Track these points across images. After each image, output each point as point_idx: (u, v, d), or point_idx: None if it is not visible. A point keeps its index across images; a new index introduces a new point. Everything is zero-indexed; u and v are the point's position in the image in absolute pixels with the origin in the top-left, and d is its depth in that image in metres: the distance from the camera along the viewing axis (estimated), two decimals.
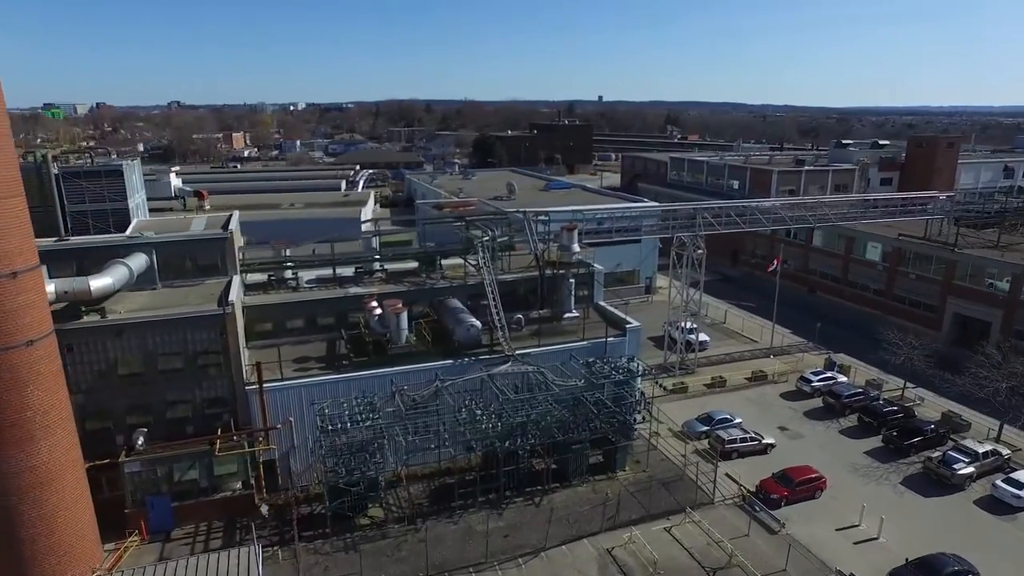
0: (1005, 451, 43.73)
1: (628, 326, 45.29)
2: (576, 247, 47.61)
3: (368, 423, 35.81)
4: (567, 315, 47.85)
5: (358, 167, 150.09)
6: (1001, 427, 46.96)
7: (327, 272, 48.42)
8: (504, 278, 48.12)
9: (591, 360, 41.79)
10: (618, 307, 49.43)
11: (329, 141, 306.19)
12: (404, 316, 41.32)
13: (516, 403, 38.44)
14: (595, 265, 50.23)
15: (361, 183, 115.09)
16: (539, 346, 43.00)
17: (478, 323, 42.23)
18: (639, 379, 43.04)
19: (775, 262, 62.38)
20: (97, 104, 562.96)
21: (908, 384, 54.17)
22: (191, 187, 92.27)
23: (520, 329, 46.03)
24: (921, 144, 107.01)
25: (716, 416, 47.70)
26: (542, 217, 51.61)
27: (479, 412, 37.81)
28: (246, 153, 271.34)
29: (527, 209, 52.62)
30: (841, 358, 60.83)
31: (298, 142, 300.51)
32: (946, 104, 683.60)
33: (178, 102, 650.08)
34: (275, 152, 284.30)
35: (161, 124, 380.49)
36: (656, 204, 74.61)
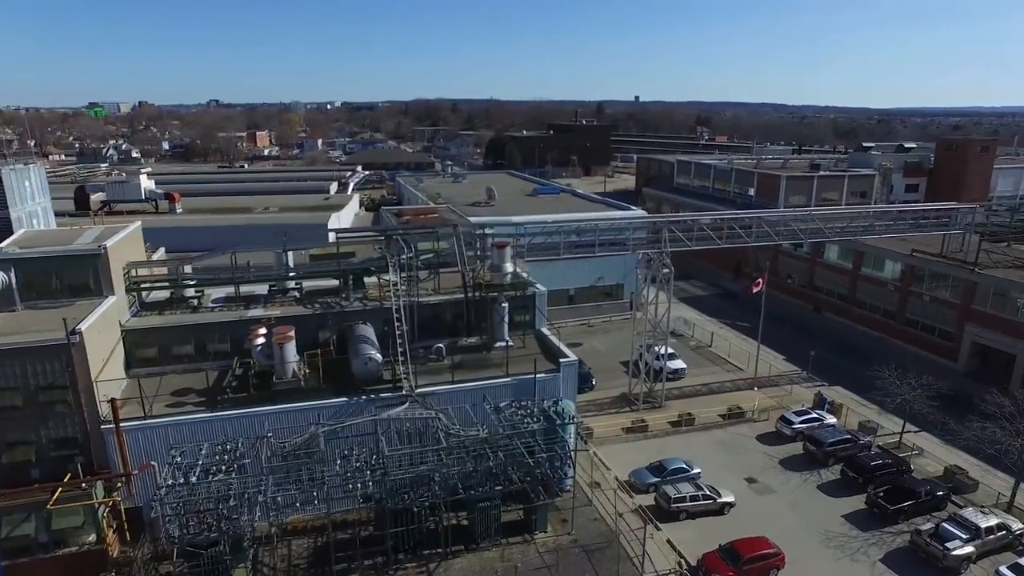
0: (1016, 525, 35.94)
1: (563, 361, 38.88)
2: (509, 266, 41.37)
3: (218, 477, 30.29)
4: (499, 344, 41.72)
5: (359, 168, 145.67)
6: (1016, 488, 39.03)
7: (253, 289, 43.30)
8: (429, 300, 42.28)
9: (505, 403, 35.58)
10: (594, 324, 43.11)
11: (349, 140, 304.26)
12: (291, 346, 35.73)
13: (407, 453, 32.49)
14: (537, 286, 43.89)
15: (351, 185, 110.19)
16: (451, 383, 36.98)
17: (377, 355, 36.40)
18: (570, 425, 36.56)
19: (759, 281, 55.02)
20: (139, 103, 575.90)
21: (909, 427, 46.43)
22: (163, 189, 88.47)
23: (441, 360, 40.15)
24: (951, 147, 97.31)
25: (670, 465, 40.94)
26: (489, 230, 45.56)
27: (359, 464, 31.99)
28: (266, 152, 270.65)
29: (466, 220, 46.66)
30: (836, 392, 53.28)
31: (319, 141, 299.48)
32: (999, 105, 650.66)
33: (216, 101, 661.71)
34: (296, 151, 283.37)
35: (193, 123, 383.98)
36: (626, 215, 68.06)
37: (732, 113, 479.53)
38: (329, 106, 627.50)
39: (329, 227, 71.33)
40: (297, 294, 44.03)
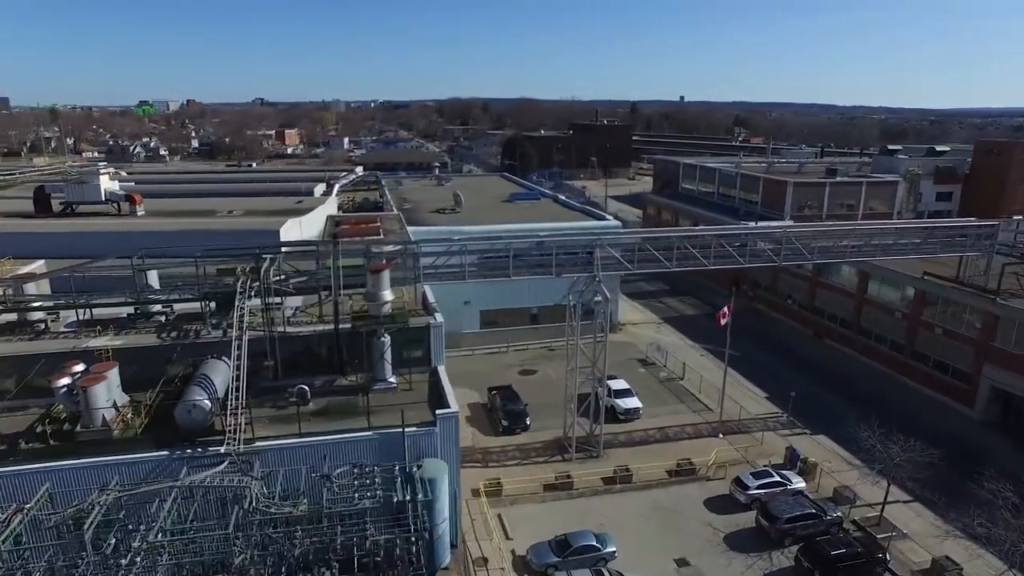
0: None
1: (441, 414, 31.72)
2: (387, 294, 34.36)
3: None
4: (379, 386, 34.86)
5: (358, 169, 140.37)
6: None
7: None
8: (300, 331, 35.68)
9: (343, 469, 28.64)
10: (557, 348, 35.93)
11: (374, 139, 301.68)
12: (99, 389, 29.53)
13: (191, 535, 25.86)
14: (433, 318, 36.83)
15: (336, 187, 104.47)
16: (295, 437, 30.25)
17: (205, 401, 29.92)
18: (441, 495, 29.43)
19: (725, 312, 46.74)
20: (187, 101, 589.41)
21: (896, 495, 37.74)
22: (126, 190, 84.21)
23: (305, 404, 33.49)
24: (992, 150, 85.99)
25: (577, 541, 33.38)
26: (376, 248, 38.67)
27: (136, 543, 25.49)
28: (289, 150, 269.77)
29: (403, 232, 39.87)
30: (817, 445, 44.76)
31: (346, 139, 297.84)
32: None
33: (262, 99, 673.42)
34: (321, 149, 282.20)
35: (228, 121, 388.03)
36: (586, 225, 60.35)
37: (778, 114, 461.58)
38: (373, 103, 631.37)
39: (283, 234, 65.72)
40: (164, 319, 38.00)
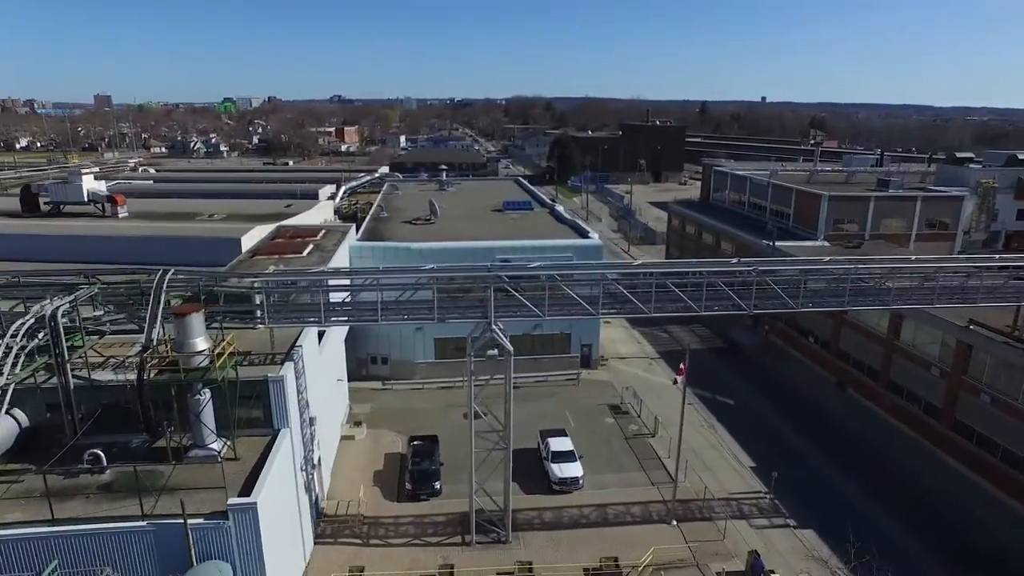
0: None
1: (234, 504, 24.26)
2: (200, 342, 27.01)
3: None
4: (197, 453, 27.76)
5: (381, 169, 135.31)
6: None
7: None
8: (108, 380, 29.00)
9: None
10: (520, 386, 28.40)
11: (427, 137, 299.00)
12: None
13: None
14: (273, 374, 29.35)
15: (344, 189, 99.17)
16: (44, 524, 23.51)
17: None
18: None
19: (681, 368, 37.06)
20: (269, 98, 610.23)
21: None
22: (107, 190, 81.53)
23: (99, 473, 26.87)
24: None
25: None
26: (213, 280, 31.37)
27: None
28: (343, 148, 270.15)
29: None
30: (801, 543, 34.63)
31: (402, 138, 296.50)
32: None
33: (339, 96, 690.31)
34: (376, 147, 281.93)
35: (292, 118, 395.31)
36: (550, 243, 51.47)
37: (864, 115, 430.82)
38: (450, 102, 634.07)
39: (244, 243, 60.15)
40: None
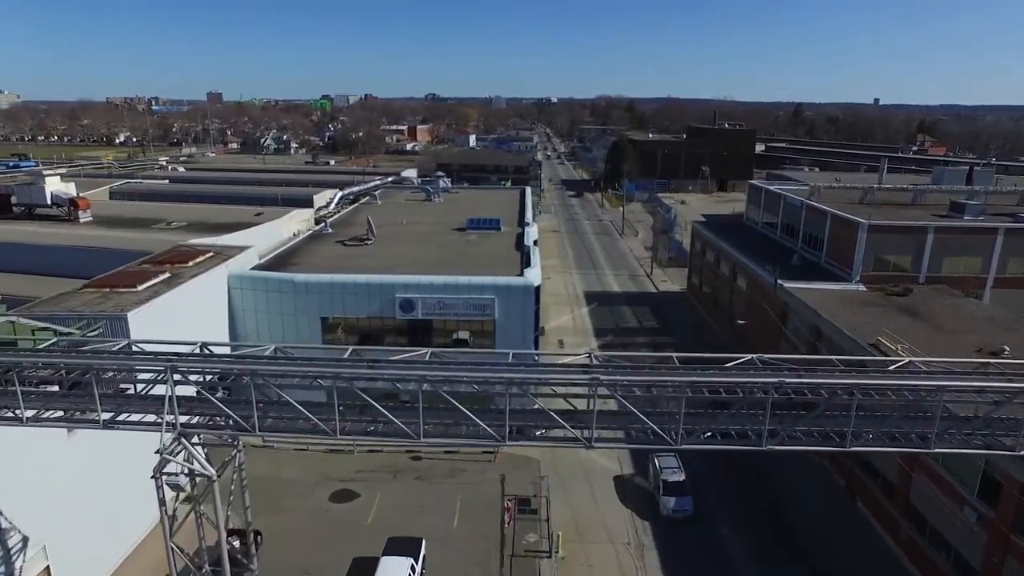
0: None
1: None
2: None
3: None
4: None
5: (410, 171, 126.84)
6: None
7: None
8: None
9: None
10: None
11: (494, 137, 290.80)
12: None
13: None
14: None
15: (339, 195, 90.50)
16: None
17: None
18: None
19: (507, 508, 24.55)
20: (365, 96, 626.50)
21: None
22: (66, 195, 77.01)
23: None
24: None
25: None
26: None
27: None
28: (409, 147, 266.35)
29: None
30: None
31: (472, 137, 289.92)
32: None
33: (433, 94, 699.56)
34: (443, 145, 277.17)
35: (363, 118, 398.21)
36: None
37: (993, 118, 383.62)
38: (538, 101, 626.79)
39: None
40: None
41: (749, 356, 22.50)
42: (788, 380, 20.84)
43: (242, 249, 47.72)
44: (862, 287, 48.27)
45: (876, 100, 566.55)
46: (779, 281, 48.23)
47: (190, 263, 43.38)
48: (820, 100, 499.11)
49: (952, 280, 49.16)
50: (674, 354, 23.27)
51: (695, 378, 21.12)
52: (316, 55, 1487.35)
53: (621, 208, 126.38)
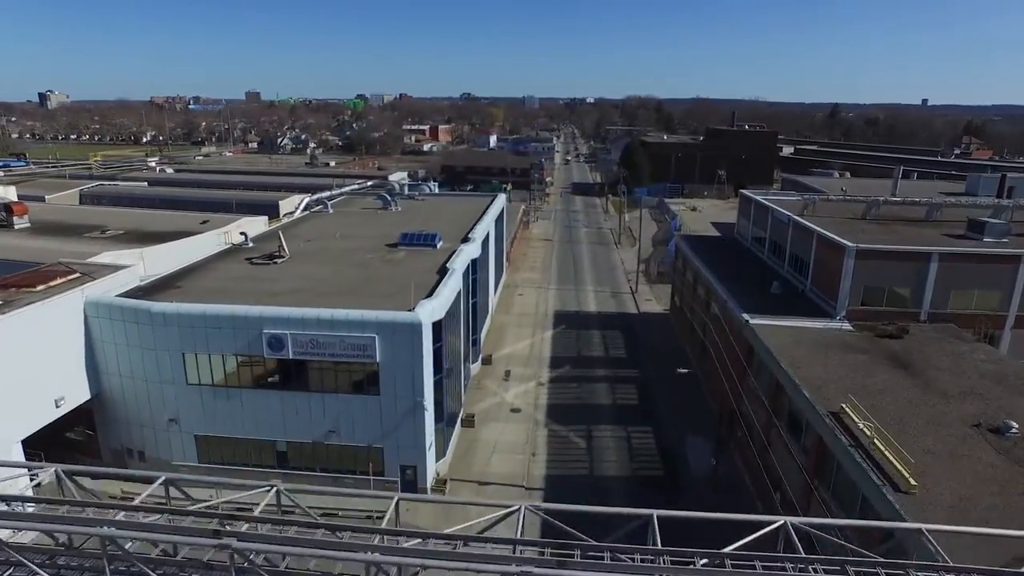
0: None
1: None
2: None
3: None
4: None
5: (398, 175, 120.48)
6: None
7: None
8: None
9: None
10: None
11: (513, 137, 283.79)
12: None
13: None
14: None
15: (305, 201, 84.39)
16: None
17: None
18: None
19: None
20: (400, 95, 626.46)
21: None
22: (4, 200, 72.59)
23: None
24: None
25: None
26: None
27: None
28: (426, 148, 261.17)
29: None
30: None
31: (493, 137, 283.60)
32: None
33: (468, 94, 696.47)
34: (463, 146, 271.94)
35: (387, 117, 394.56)
36: None
37: None
38: (570, 102, 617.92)
39: None
40: None
41: (776, 521, 14.80)
42: None
43: (115, 269, 41.54)
44: (847, 325, 39.71)
45: (924, 101, 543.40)
46: (745, 316, 39.98)
47: (39, 287, 37.33)
48: (864, 101, 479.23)
49: (962, 318, 40.20)
50: (654, 513, 15.40)
51: None
52: (355, 55, 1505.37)
53: (628, 214, 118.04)
